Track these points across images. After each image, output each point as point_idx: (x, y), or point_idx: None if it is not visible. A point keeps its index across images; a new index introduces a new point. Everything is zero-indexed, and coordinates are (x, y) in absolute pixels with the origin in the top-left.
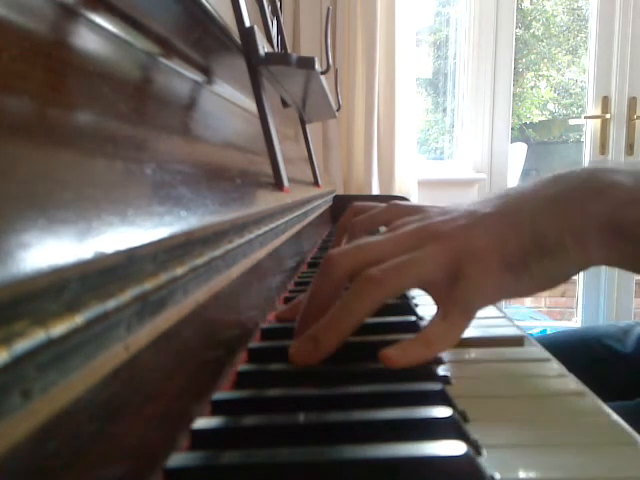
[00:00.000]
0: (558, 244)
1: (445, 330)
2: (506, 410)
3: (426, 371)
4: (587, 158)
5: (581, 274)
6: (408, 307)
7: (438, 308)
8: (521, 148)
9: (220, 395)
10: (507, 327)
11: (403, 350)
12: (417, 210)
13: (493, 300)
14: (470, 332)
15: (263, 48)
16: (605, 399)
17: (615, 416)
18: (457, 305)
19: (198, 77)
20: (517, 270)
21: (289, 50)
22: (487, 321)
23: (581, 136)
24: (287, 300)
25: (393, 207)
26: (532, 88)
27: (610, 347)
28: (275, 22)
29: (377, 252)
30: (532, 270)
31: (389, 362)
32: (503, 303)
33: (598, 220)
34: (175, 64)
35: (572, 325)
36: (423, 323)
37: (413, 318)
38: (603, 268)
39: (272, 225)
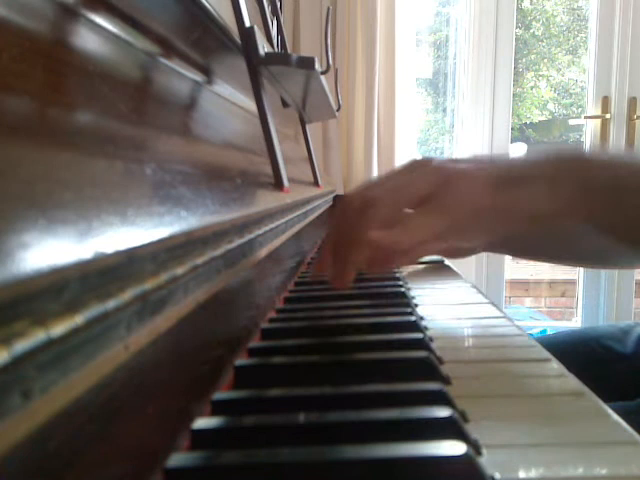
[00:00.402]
0: (532, 180)
1: (422, 221)
2: (505, 410)
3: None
4: None
5: (581, 274)
6: (407, 304)
7: (424, 204)
8: (521, 148)
9: (220, 395)
10: (507, 327)
11: (387, 234)
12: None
13: (472, 204)
14: (469, 331)
15: (263, 48)
16: (605, 399)
17: (615, 416)
18: (437, 203)
19: (198, 77)
20: (497, 187)
21: (289, 50)
22: (487, 321)
23: (581, 136)
24: (287, 300)
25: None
26: (532, 88)
27: (610, 347)
28: (275, 22)
29: (383, 180)
30: (509, 192)
31: (374, 240)
32: (503, 303)
33: (568, 172)
34: (175, 64)
35: (572, 325)
36: (423, 323)
37: (413, 318)
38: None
39: (272, 225)
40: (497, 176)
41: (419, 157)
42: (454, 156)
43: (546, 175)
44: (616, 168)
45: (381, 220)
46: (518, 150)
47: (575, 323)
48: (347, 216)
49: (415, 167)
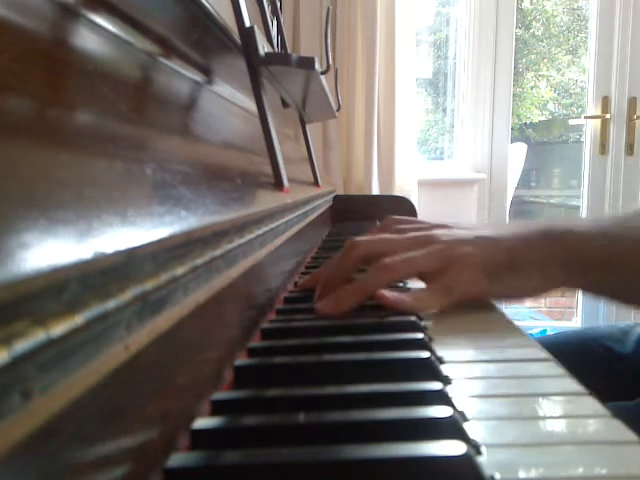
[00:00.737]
0: (524, 269)
1: (429, 297)
2: (505, 410)
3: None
4: (587, 158)
5: None
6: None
7: (428, 284)
8: (521, 148)
9: (220, 395)
10: (506, 326)
11: (396, 296)
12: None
13: (470, 291)
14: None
15: (263, 48)
16: (605, 399)
17: (615, 416)
18: (441, 284)
19: (198, 77)
20: (491, 277)
21: (289, 50)
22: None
23: (581, 136)
24: (287, 300)
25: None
26: (532, 88)
27: (610, 348)
28: (275, 22)
29: (390, 246)
30: (502, 279)
31: (383, 299)
32: (503, 303)
33: (555, 254)
34: (175, 64)
35: (572, 325)
36: (423, 323)
37: (413, 318)
38: None
39: (272, 225)
40: (492, 261)
41: (417, 221)
42: (453, 154)
43: (537, 259)
44: (605, 244)
45: (390, 283)
46: (518, 150)
47: (575, 323)
48: (353, 263)
49: (423, 241)
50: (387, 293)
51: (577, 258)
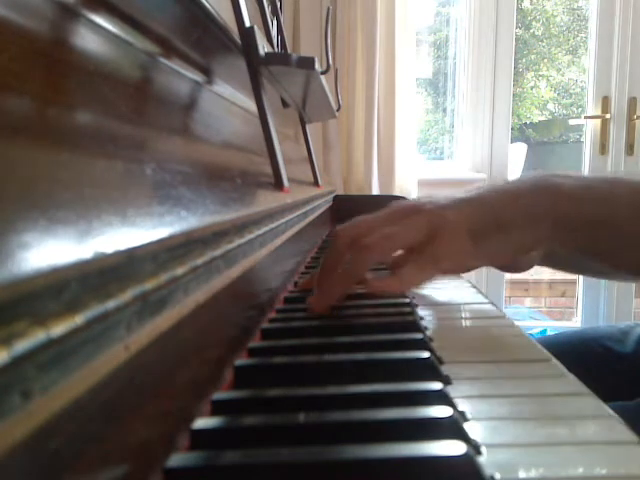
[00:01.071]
0: (511, 224)
1: (415, 272)
2: (505, 410)
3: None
4: (587, 158)
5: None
6: (407, 304)
7: (414, 257)
8: (521, 148)
9: (220, 395)
10: (507, 327)
11: (382, 281)
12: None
13: (457, 258)
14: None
15: (263, 48)
16: (605, 399)
17: (615, 416)
18: (428, 255)
19: (198, 77)
20: (477, 239)
21: (289, 50)
22: (487, 321)
23: (581, 136)
24: (287, 300)
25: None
26: (532, 88)
27: (610, 348)
28: (275, 22)
29: (371, 225)
30: (489, 241)
31: (371, 287)
32: (503, 303)
33: (545, 210)
34: (175, 64)
35: (572, 325)
36: (423, 323)
37: (413, 318)
38: None
39: (272, 225)
40: (478, 223)
41: (401, 201)
42: (453, 154)
43: (525, 213)
44: (595, 203)
45: (374, 263)
46: (518, 150)
47: (575, 323)
48: (339, 253)
49: (403, 213)
50: (371, 280)
51: (566, 214)
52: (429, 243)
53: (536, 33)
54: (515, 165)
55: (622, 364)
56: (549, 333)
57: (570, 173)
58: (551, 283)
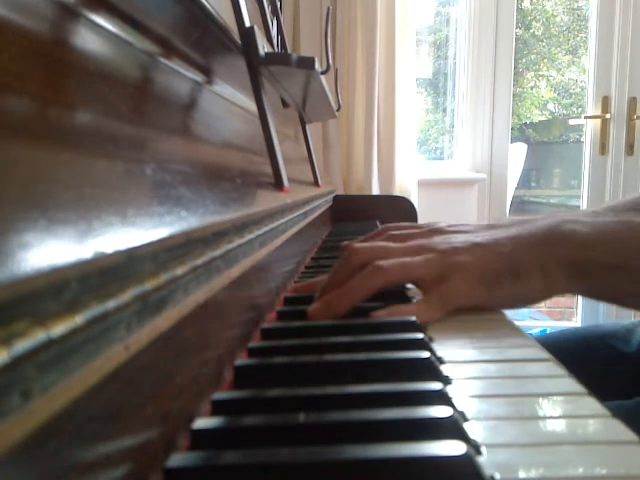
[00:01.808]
0: (526, 274)
1: (424, 310)
2: (505, 410)
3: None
4: (587, 158)
5: None
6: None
7: (424, 296)
8: (521, 148)
9: (220, 395)
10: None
11: (389, 313)
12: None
13: (468, 301)
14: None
15: (263, 48)
16: (607, 398)
17: (615, 416)
18: (438, 296)
19: (198, 77)
20: (491, 286)
21: (289, 50)
22: (487, 321)
23: (581, 136)
24: (287, 300)
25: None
26: (532, 88)
27: (614, 347)
28: (275, 22)
29: (388, 253)
30: (503, 288)
31: (378, 318)
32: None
33: (559, 260)
34: (175, 64)
35: (572, 325)
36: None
37: (413, 318)
38: None
39: (272, 225)
40: (492, 269)
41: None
42: (453, 154)
43: (538, 264)
44: (605, 246)
45: (383, 286)
46: (518, 150)
47: (575, 323)
48: (352, 269)
49: (419, 248)
50: (381, 312)
51: (580, 262)
52: (440, 283)
53: (536, 33)
54: (515, 165)
55: (626, 363)
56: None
57: (582, 217)
58: None
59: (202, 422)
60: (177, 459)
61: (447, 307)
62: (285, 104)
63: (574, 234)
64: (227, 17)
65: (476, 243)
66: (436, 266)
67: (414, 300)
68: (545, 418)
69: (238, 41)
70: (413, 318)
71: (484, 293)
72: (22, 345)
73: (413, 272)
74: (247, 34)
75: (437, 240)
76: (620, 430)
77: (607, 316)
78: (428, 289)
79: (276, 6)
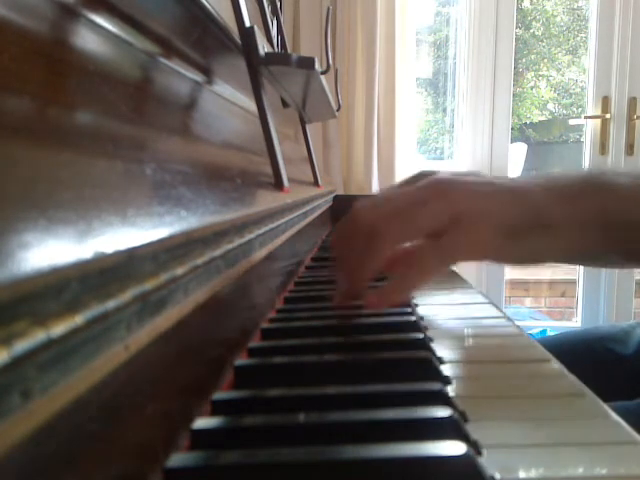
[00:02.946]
0: (558, 226)
1: (413, 275)
2: (506, 410)
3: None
4: (587, 158)
5: (581, 274)
6: (407, 304)
7: (418, 249)
8: (521, 148)
9: (220, 395)
10: (507, 327)
11: (382, 293)
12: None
13: (478, 253)
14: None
15: (263, 48)
16: (606, 400)
17: (615, 416)
18: (434, 247)
19: (198, 77)
20: (508, 236)
21: (289, 50)
22: (487, 321)
23: (581, 136)
24: (287, 300)
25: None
26: (532, 88)
27: (612, 349)
28: (275, 22)
29: (392, 207)
30: (520, 240)
31: (372, 306)
32: (503, 303)
33: (596, 211)
34: (175, 64)
35: (572, 325)
36: (423, 323)
37: (413, 318)
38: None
39: (272, 225)
40: (517, 218)
41: (427, 171)
42: (453, 154)
43: (572, 215)
44: None
45: (388, 251)
46: (518, 150)
47: (575, 323)
48: (353, 237)
49: (426, 190)
50: (370, 298)
51: (618, 216)
52: (451, 228)
53: (536, 33)
54: (515, 165)
55: (624, 366)
56: (549, 333)
57: (621, 171)
58: (551, 283)
59: (202, 422)
60: (177, 459)
61: (444, 262)
62: (285, 104)
63: (613, 186)
64: (227, 17)
65: (497, 185)
66: (448, 213)
67: (414, 301)
68: (545, 418)
69: (238, 41)
70: (413, 318)
71: (498, 245)
72: (22, 345)
73: (418, 225)
74: (247, 34)
75: (450, 180)
76: (620, 430)
77: (607, 316)
78: (437, 235)
79: (276, 6)
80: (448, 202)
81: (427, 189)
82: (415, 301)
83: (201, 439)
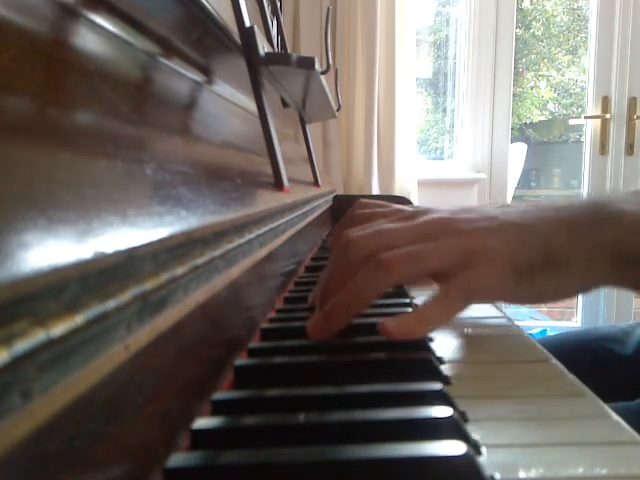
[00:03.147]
0: (566, 261)
1: (442, 308)
2: (506, 410)
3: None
4: (587, 158)
5: None
6: (408, 304)
7: (441, 287)
8: (521, 148)
9: (220, 395)
10: (507, 327)
11: (400, 323)
12: (424, 213)
13: (493, 296)
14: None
15: (263, 48)
16: (606, 400)
17: (615, 416)
18: (459, 288)
19: (198, 77)
20: (522, 277)
21: (289, 50)
22: (487, 321)
23: (581, 136)
24: (287, 300)
25: (399, 212)
26: (532, 88)
27: (611, 349)
28: (275, 22)
29: (393, 238)
30: (535, 280)
31: (386, 333)
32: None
33: (606, 246)
34: (175, 64)
35: (572, 325)
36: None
37: (408, 300)
38: None
39: (272, 225)
40: (525, 255)
41: (433, 213)
42: (453, 154)
43: (583, 251)
44: None
45: (391, 285)
46: (518, 150)
47: (575, 323)
48: (352, 266)
49: (434, 229)
50: (390, 322)
51: (629, 248)
52: (460, 271)
53: (536, 33)
54: (515, 165)
55: (623, 366)
56: (549, 333)
57: (630, 197)
58: None
59: (202, 422)
60: (177, 459)
61: (469, 300)
62: (285, 104)
63: (624, 215)
64: (227, 17)
65: (504, 222)
66: (456, 253)
67: (415, 301)
68: (545, 418)
69: (238, 41)
70: (408, 300)
71: (512, 286)
72: (22, 345)
73: (427, 263)
74: (247, 34)
75: (454, 217)
76: (621, 430)
77: (607, 316)
78: (446, 280)
79: (276, 6)
80: (458, 239)
81: (433, 225)
82: (415, 301)
83: (201, 439)
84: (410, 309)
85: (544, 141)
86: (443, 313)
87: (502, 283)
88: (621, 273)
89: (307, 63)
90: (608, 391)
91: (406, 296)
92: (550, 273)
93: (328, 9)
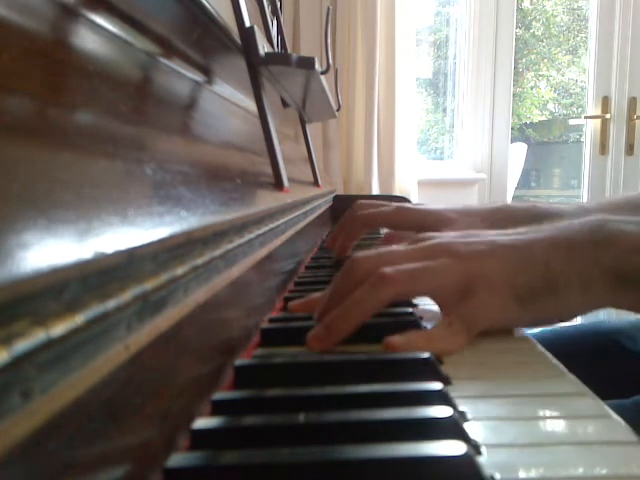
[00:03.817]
0: (566, 286)
1: (447, 338)
2: (505, 409)
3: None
4: (587, 158)
5: None
6: (408, 303)
7: (444, 318)
8: (521, 148)
9: (220, 395)
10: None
11: (407, 341)
12: (424, 215)
13: (495, 323)
14: None
15: (263, 48)
16: (609, 397)
17: (615, 416)
18: (462, 319)
19: (198, 77)
20: (523, 302)
21: (289, 50)
22: None
23: (581, 136)
24: (287, 300)
25: (400, 211)
26: (532, 88)
27: (620, 343)
28: (275, 22)
29: (396, 258)
30: (537, 305)
31: (391, 349)
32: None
33: (605, 267)
34: (175, 64)
35: (572, 324)
36: (424, 323)
37: (413, 318)
38: None
39: (272, 225)
40: (525, 280)
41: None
42: (453, 154)
43: (578, 275)
44: None
45: (391, 300)
46: (518, 150)
47: (575, 322)
48: (355, 281)
49: (436, 252)
50: (394, 340)
51: (627, 271)
52: (462, 300)
53: (536, 33)
54: (515, 165)
55: (629, 361)
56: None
57: (629, 218)
58: None
59: (202, 422)
60: (177, 459)
61: (473, 331)
62: (285, 104)
63: (621, 236)
64: (227, 17)
65: (504, 245)
66: (455, 275)
67: (415, 301)
68: (545, 418)
69: (238, 41)
70: (413, 318)
71: (514, 311)
72: (22, 345)
73: (426, 282)
74: (247, 34)
75: (454, 240)
76: (621, 430)
77: (607, 313)
78: (448, 308)
79: (276, 6)
80: (458, 261)
81: (435, 247)
82: (415, 301)
83: (201, 439)
84: (413, 317)
85: (544, 141)
86: (449, 341)
87: (503, 310)
88: (620, 294)
89: (307, 63)
90: (612, 386)
91: (409, 305)
92: (550, 297)
93: (328, 9)
